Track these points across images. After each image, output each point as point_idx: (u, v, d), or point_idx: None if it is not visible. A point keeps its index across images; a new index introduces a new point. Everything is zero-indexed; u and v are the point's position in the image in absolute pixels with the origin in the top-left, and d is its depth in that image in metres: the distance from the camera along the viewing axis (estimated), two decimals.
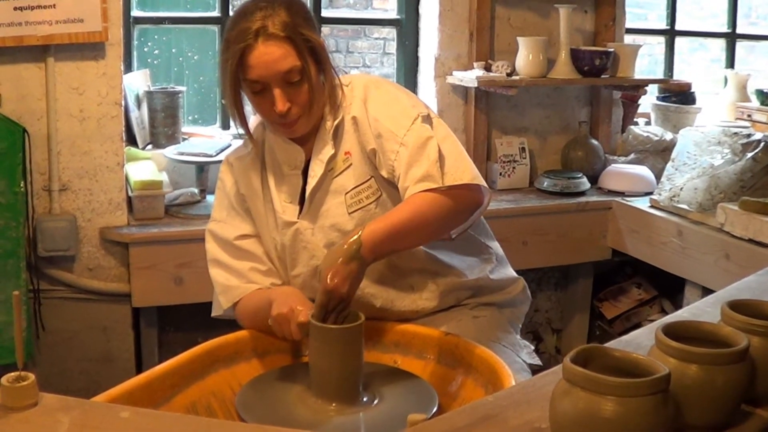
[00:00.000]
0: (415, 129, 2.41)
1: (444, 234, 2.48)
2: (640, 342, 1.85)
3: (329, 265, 2.20)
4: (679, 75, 5.57)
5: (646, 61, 6.03)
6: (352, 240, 2.23)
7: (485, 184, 2.44)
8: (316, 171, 2.48)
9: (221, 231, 2.60)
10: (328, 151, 2.48)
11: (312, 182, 2.48)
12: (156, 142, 4.18)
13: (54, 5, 3.47)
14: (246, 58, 2.33)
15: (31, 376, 1.59)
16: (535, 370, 2.52)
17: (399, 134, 2.40)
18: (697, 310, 2.16)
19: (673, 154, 4.26)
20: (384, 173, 2.44)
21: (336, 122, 2.49)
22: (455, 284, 2.61)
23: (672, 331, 1.47)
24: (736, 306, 1.58)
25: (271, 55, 2.32)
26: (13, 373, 1.58)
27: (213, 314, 2.64)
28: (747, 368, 1.43)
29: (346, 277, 2.18)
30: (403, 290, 2.56)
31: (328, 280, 2.17)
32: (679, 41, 5.64)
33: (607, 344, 1.69)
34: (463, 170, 2.40)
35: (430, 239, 2.50)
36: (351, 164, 2.49)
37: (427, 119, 2.45)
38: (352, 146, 2.49)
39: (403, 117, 2.44)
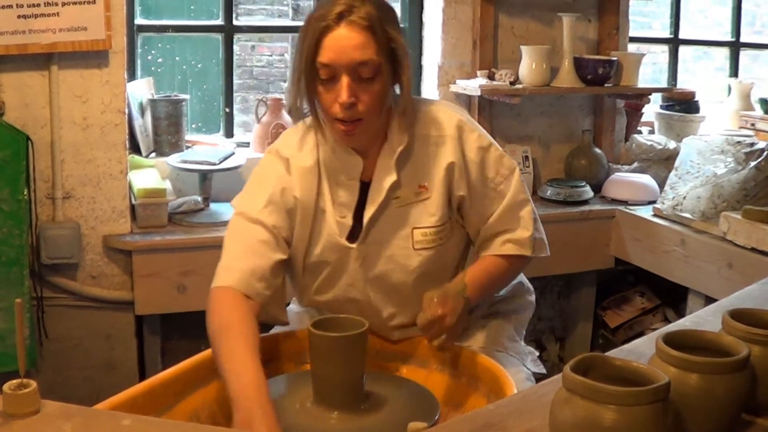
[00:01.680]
0: (514, 184, 2.48)
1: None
2: (641, 351, 1.85)
3: (440, 295, 2.26)
4: (683, 84, 5.56)
5: (650, 70, 6.03)
6: (457, 281, 2.34)
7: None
8: (376, 197, 2.40)
9: (249, 231, 2.40)
10: (391, 178, 2.39)
11: (371, 209, 2.40)
12: (159, 150, 4.18)
13: (58, 13, 3.48)
14: (323, 39, 2.23)
15: (33, 384, 1.59)
16: (538, 378, 2.52)
17: (496, 182, 2.46)
18: (699, 319, 2.16)
19: (677, 163, 4.26)
20: (475, 219, 2.49)
21: (402, 147, 2.39)
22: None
23: (673, 340, 1.47)
24: (738, 315, 1.58)
25: (349, 40, 2.23)
26: (15, 381, 1.59)
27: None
28: (747, 377, 1.43)
29: (454, 309, 2.26)
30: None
31: (440, 308, 2.23)
32: (682, 50, 5.64)
33: (608, 353, 1.69)
34: (543, 243, 2.55)
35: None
36: (427, 200, 2.42)
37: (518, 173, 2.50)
38: (434, 184, 2.42)
39: (502, 166, 2.47)
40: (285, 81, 6.41)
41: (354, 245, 2.42)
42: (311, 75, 2.27)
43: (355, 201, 2.43)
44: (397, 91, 2.40)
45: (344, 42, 2.22)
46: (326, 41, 2.22)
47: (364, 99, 2.26)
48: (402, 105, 2.37)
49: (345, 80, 2.23)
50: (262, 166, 2.50)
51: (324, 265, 2.46)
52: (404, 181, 2.41)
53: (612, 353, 1.85)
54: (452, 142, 2.42)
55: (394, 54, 2.29)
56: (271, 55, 6.72)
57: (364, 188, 2.43)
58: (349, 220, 2.42)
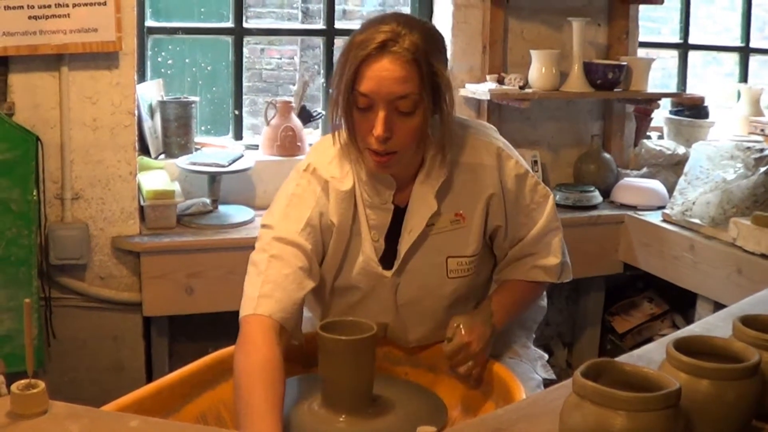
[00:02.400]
0: (548, 211, 2.47)
1: None
2: (651, 356, 1.85)
3: (467, 322, 2.30)
4: (692, 89, 5.56)
5: (660, 75, 6.02)
6: (483, 307, 2.39)
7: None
8: (414, 226, 2.35)
9: (288, 250, 2.30)
10: (431, 209, 2.34)
11: (409, 238, 2.35)
12: (169, 151, 4.18)
13: (68, 15, 3.48)
14: (363, 68, 2.15)
15: (41, 384, 1.59)
16: (547, 383, 2.51)
17: (530, 208, 2.46)
18: (709, 325, 2.16)
19: (686, 169, 4.25)
20: (506, 244, 2.49)
21: (443, 179, 2.33)
22: None
23: (683, 346, 1.46)
24: (748, 321, 1.58)
25: (390, 72, 2.13)
26: (23, 381, 1.59)
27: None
28: (758, 383, 1.43)
29: (480, 336, 2.30)
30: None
31: (466, 336, 2.27)
32: (692, 55, 5.64)
33: (618, 358, 1.69)
34: (568, 268, 2.58)
35: None
36: (464, 229, 2.39)
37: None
38: (472, 214, 2.38)
39: (536, 194, 2.46)
40: (294, 84, 6.42)
41: (389, 274, 2.38)
42: (349, 101, 2.19)
43: (387, 225, 2.37)
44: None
45: (385, 74, 2.13)
46: (367, 71, 2.15)
47: (400, 133, 2.18)
48: (440, 136, 2.28)
49: (381, 114, 2.15)
50: (299, 185, 2.37)
51: (355, 290, 2.43)
52: (442, 209, 2.37)
53: (622, 359, 1.85)
54: (491, 172, 2.37)
55: (436, 87, 2.20)
56: (281, 58, 6.73)
57: (397, 213, 2.37)
58: (381, 244, 2.37)
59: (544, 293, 2.78)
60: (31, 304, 1.67)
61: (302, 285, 2.26)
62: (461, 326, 2.29)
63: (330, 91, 2.31)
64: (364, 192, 2.35)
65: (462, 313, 2.38)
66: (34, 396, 1.58)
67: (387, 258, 2.39)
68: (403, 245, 2.35)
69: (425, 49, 2.16)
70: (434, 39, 2.24)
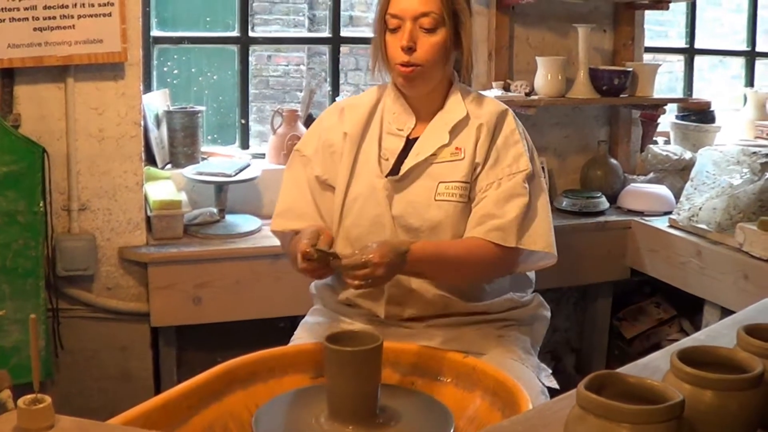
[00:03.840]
0: (515, 181, 2.63)
1: (467, 284, 2.70)
2: (657, 365, 1.85)
3: (381, 243, 2.38)
4: (699, 92, 5.56)
5: (666, 78, 6.03)
6: (403, 240, 2.50)
7: (555, 252, 2.69)
8: (421, 150, 2.67)
9: (303, 164, 2.79)
10: (442, 140, 2.67)
11: (414, 160, 2.65)
12: (175, 161, 4.20)
13: (74, 26, 3.50)
14: None
15: (48, 399, 1.60)
16: (552, 392, 2.52)
17: (504, 171, 2.65)
18: (715, 333, 2.16)
19: (692, 174, 4.25)
20: (473, 193, 2.65)
21: (460, 117, 2.68)
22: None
23: (687, 356, 1.46)
24: (752, 330, 1.58)
25: None
26: (29, 396, 1.59)
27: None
28: (762, 394, 1.42)
29: (388, 264, 2.34)
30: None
31: (376, 256, 2.32)
32: (699, 58, 5.64)
33: (623, 368, 1.69)
34: (539, 236, 2.65)
35: (458, 282, 2.68)
36: (460, 160, 2.65)
37: (530, 178, 2.67)
38: (468, 147, 2.66)
39: (517, 161, 2.67)
40: (301, 90, 6.44)
41: (386, 179, 2.65)
42: (382, 27, 2.63)
43: (398, 151, 2.69)
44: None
45: None
46: None
47: (423, 48, 2.58)
48: (463, 62, 2.70)
49: (408, 27, 2.56)
50: (321, 117, 2.89)
51: (356, 197, 2.68)
52: (448, 143, 2.68)
53: (627, 368, 1.85)
54: (490, 116, 2.70)
55: (456, 15, 2.61)
56: (288, 65, 6.75)
57: (408, 144, 2.70)
58: (390, 163, 2.68)
59: (546, 308, 2.92)
60: (36, 319, 1.66)
61: (309, 193, 2.75)
62: (374, 245, 2.37)
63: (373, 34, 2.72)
64: (387, 117, 2.73)
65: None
66: (41, 411, 1.59)
67: (390, 175, 2.68)
68: (407, 163, 2.65)
69: None
70: None
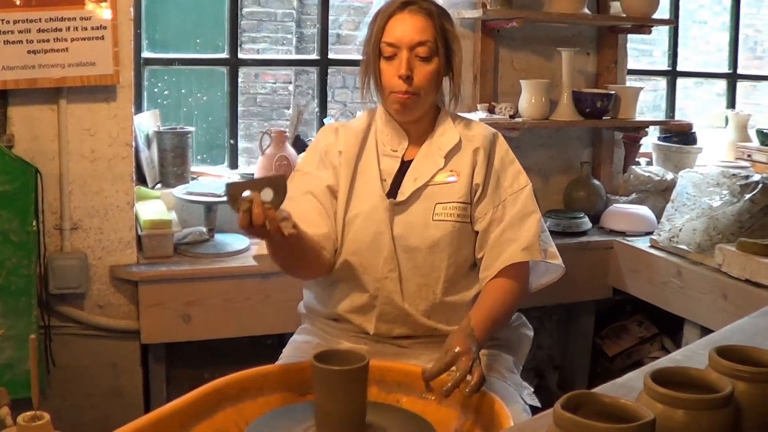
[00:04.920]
0: (523, 197, 2.77)
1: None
2: (633, 384, 1.90)
3: (454, 337, 2.45)
4: (684, 109, 5.60)
5: (651, 97, 6.09)
6: (463, 325, 2.50)
7: (562, 263, 2.84)
8: (419, 176, 2.76)
9: (305, 180, 2.81)
10: (438, 165, 2.77)
11: (414, 185, 2.74)
12: (165, 181, 4.23)
13: (67, 49, 3.54)
14: (388, 22, 2.67)
15: (46, 416, 1.65)
16: (534, 410, 2.57)
17: (506, 192, 2.77)
18: (690, 353, 2.21)
19: (673, 195, 4.30)
20: (478, 214, 2.76)
21: (454, 143, 2.78)
22: None
23: (660, 377, 1.51)
24: (724, 351, 1.62)
25: (411, 23, 2.66)
26: (29, 413, 1.64)
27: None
28: (731, 413, 1.47)
29: (468, 348, 2.39)
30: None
31: (457, 345, 2.39)
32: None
33: (601, 387, 1.75)
34: (556, 251, 2.80)
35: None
36: (455, 183, 2.75)
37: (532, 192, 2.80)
38: (463, 169, 2.76)
39: (516, 181, 2.80)
40: (288, 108, 6.47)
41: (387, 200, 2.73)
42: (376, 54, 2.69)
43: (394, 173, 2.78)
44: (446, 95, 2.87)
45: (407, 24, 2.66)
46: (391, 23, 2.67)
47: (420, 76, 2.66)
48: (452, 89, 2.81)
49: (405, 56, 2.64)
50: (316, 138, 2.96)
51: (356, 216, 2.75)
52: (444, 167, 2.77)
53: (604, 387, 1.90)
54: (484, 139, 2.81)
55: (449, 44, 2.72)
56: (275, 83, 6.77)
57: (403, 166, 2.79)
58: (388, 184, 2.77)
59: (526, 321, 3.00)
60: (36, 340, 1.71)
61: (311, 203, 2.74)
62: (453, 341, 2.43)
63: (362, 60, 2.80)
64: (380, 139, 2.82)
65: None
66: (40, 428, 1.64)
67: (388, 196, 2.76)
68: (407, 188, 2.74)
69: (438, 12, 2.72)
70: (445, 11, 2.79)
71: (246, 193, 2.20)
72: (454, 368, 2.35)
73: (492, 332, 2.59)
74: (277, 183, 2.27)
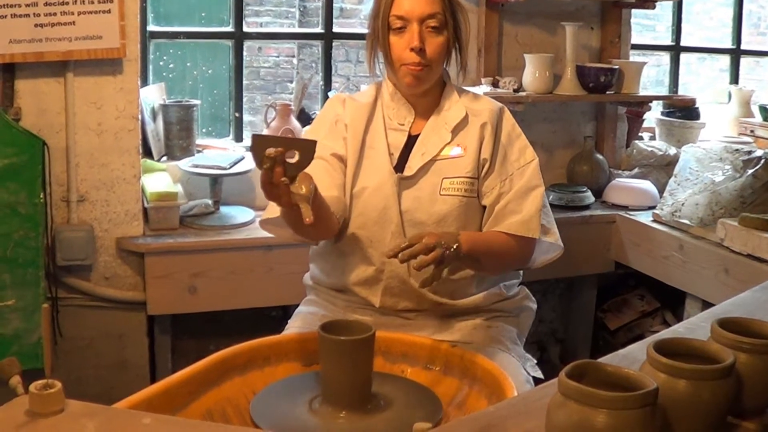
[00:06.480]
0: (530, 171, 2.76)
1: (501, 273, 2.86)
2: (635, 356, 1.90)
3: (436, 232, 2.48)
4: (687, 84, 5.59)
5: (655, 72, 6.08)
6: (452, 231, 2.56)
7: (561, 244, 2.84)
8: (426, 150, 2.74)
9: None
10: (444, 140, 2.76)
11: (422, 159, 2.73)
12: (171, 154, 4.24)
13: (74, 22, 3.54)
14: None
15: (58, 384, 1.66)
16: (537, 381, 2.59)
17: (513, 166, 2.75)
18: (693, 325, 2.22)
19: (676, 170, 4.32)
20: (485, 189, 2.75)
21: (461, 118, 2.77)
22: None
23: (663, 348, 1.53)
24: (725, 323, 1.64)
25: None
26: (41, 381, 1.66)
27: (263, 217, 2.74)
28: (733, 383, 1.48)
29: (445, 243, 2.38)
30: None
31: (432, 237, 2.36)
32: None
33: (604, 357, 1.77)
34: (555, 230, 2.80)
35: (495, 273, 2.82)
36: (462, 158, 2.74)
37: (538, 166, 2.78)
38: (471, 144, 2.75)
39: (523, 155, 2.79)
40: (292, 81, 6.47)
41: (395, 174, 2.72)
42: (386, 27, 2.68)
43: (401, 147, 2.77)
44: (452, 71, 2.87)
45: None
46: None
47: (431, 48, 2.66)
48: (460, 63, 2.82)
49: (416, 28, 2.63)
50: (323, 109, 2.93)
51: (366, 190, 2.73)
52: (450, 142, 2.77)
53: (606, 359, 1.92)
54: (491, 114, 2.79)
55: (456, 17, 2.72)
56: (279, 56, 6.76)
57: (410, 139, 2.78)
58: (395, 158, 2.76)
59: (531, 302, 3.01)
60: (49, 309, 1.73)
61: (324, 170, 2.69)
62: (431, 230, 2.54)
63: (367, 34, 2.80)
64: (387, 113, 2.80)
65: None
66: (52, 395, 1.65)
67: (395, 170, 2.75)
68: (415, 162, 2.73)
69: None
70: None
71: (270, 151, 2.15)
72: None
73: (476, 251, 2.54)
74: (305, 147, 2.22)
